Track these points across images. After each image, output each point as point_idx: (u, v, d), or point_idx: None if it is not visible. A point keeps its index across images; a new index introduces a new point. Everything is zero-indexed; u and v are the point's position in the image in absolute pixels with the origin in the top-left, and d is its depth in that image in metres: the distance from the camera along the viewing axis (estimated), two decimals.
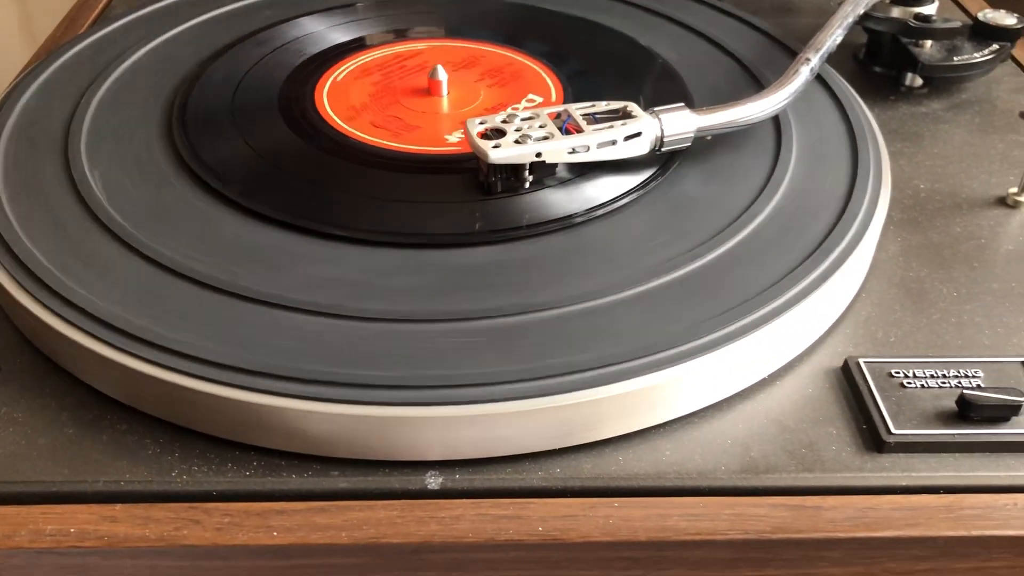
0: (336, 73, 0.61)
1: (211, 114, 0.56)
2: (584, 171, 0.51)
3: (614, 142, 0.48)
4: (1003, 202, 0.57)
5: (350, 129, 0.55)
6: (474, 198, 0.49)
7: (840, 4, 0.64)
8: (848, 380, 0.45)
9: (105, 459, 0.40)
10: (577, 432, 0.41)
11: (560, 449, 0.41)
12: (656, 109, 0.50)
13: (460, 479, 0.40)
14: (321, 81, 0.59)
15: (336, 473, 0.40)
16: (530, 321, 0.43)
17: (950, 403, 0.43)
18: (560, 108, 0.50)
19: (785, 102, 0.54)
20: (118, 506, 0.39)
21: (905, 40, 0.67)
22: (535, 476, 0.40)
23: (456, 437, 0.39)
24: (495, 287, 0.45)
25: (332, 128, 0.55)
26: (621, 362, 0.41)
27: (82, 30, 0.73)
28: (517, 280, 0.45)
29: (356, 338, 0.42)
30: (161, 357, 0.41)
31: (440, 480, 0.40)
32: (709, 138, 0.53)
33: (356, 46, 0.64)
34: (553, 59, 0.63)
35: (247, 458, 0.40)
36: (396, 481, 0.40)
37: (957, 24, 0.66)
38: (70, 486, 0.39)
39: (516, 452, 0.40)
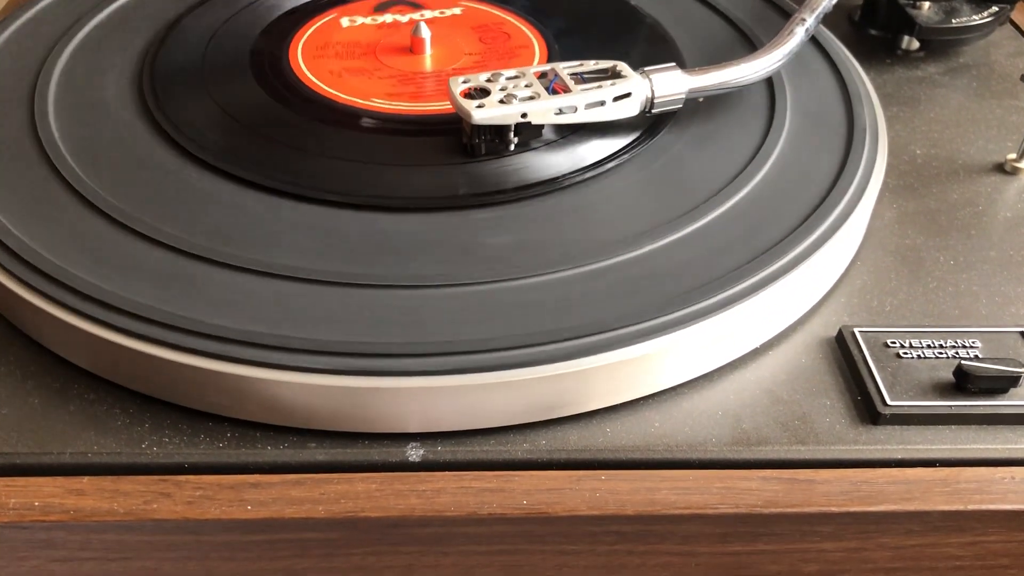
0: (313, 28, 0.58)
1: (182, 70, 0.54)
2: (571, 132, 0.49)
3: (603, 103, 0.47)
4: (1001, 168, 0.56)
5: (327, 88, 0.53)
6: (457, 160, 0.47)
7: None
8: (843, 350, 0.43)
9: (72, 430, 0.39)
10: (563, 403, 0.39)
11: (546, 421, 0.39)
12: (646, 69, 0.48)
13: (442, 451, 0.38)
14: (297, 37, 0.57)
15: (313, 445, 0.38)
16: (514, 288, 0.41)
17: (947, 374, 0.41)
18: (547, 67, 0.48)
19: (780, 63, 0.52)
20: (85, 479, 0.37)
21: (902, 1, 0.65)
22: (520, 448, 0.39)
23: (437, 408, 0.38)
24: (478, 252, 0.43)
25: (308, 88, 0.53)
26: (608, 330, 0.39)
27: None
28: (501, 245, 0.44)
29: (333, 305, 0.40)
30: (130, 324, 0.39)
31: (421, 452, 0.38)
32: (701, 100, 0.51)
33: (320, 7, 0.62)
34: (539, 16, 0.61)
35: (220, 429, 0.39)
36: (376, 453, 0.38)
37: None
38: (35, 458, 0.38)
39: (500, 424, 0.39)
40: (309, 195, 0.46)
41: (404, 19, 0.60)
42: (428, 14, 0.61)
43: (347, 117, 0.51)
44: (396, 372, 0.38)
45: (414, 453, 0.38)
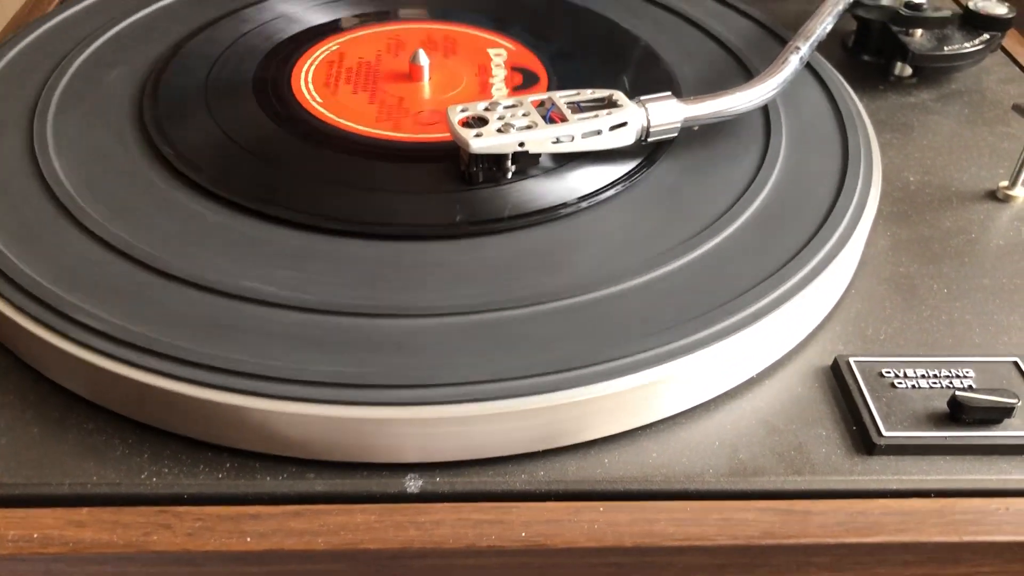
0: (316, 55, 0.59)
1: (183, 96, 0.54)
2: (568, 161, 0.49)
3: (599, 132, 0.47)
4: (993, 196, 0.56)
5: (327, 114, 0.53)
6: (455, 188, 0.48)
7: None
8: (838, 379, 0.44)
9: (71, 460, 0.39)
10: (561, 434, 0.39)
11: (544, 451, 0.40)
12: (642, 98, 0.49)
13: (441, 482, 0.39)
14: (299, 63, 0.58)
15: (312, 475, 0.39)
16: (511, 317, 0.42)
17: (941, 404, 0.42)
18: (544, 96, 0.48)
19: (774, 92, 0.52)
20: (84, 510, 0.37)
21: (895, 28, 0.66)
22: (518, 479, 0.39)
23: (436, 439, 0.38)
24: (475, 281, 0.43)
25: (309, 114, 0.53)
26: (606, 361, 0.39)
27: (50, 8, 0.70)
28: (498, 275, 0.44)
29: (331, 334, 0.40)
30: (130, 354, 0.39)
31: (420, 483, 0.38)
32: (696, 128, 0.52)
33: (336, 27, 0.62)
34: (536, 43, 0.61)
35: (220, 459, 0.39)
36: (374, 484, 0.38)
37: (947, 13, 0.65)
38: (34, 488, 0.38)
39: (498, 454, 0.39)
40: (305, 222, 0.46)
41: (415, 45, 0.60)
42: (439, 40, 0.61)
43: (345, 143, 0.51)
44: (394, 402, 0.38)
45: (412, 484, 0.38)
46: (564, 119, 0.47)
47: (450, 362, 0.39)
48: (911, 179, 0.58)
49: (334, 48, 0.60)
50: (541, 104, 0.48)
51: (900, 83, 0.67)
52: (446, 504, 0.38)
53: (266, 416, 0.38)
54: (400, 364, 0.39)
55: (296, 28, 0.62)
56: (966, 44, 0.65)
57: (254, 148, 0.51)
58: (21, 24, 0.68)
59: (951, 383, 0.43)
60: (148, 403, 0.39)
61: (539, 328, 0.41)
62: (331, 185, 0.48)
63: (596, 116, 0.47)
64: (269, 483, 0.38)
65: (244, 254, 0.44)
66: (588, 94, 0.49)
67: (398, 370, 0.39)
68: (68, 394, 0.41)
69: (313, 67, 0.57)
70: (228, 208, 0.47)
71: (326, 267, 0.44)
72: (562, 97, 0.48)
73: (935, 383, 0.43)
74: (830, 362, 0.45)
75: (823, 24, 0.58)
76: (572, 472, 0.39)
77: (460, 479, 0.39)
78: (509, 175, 0.48)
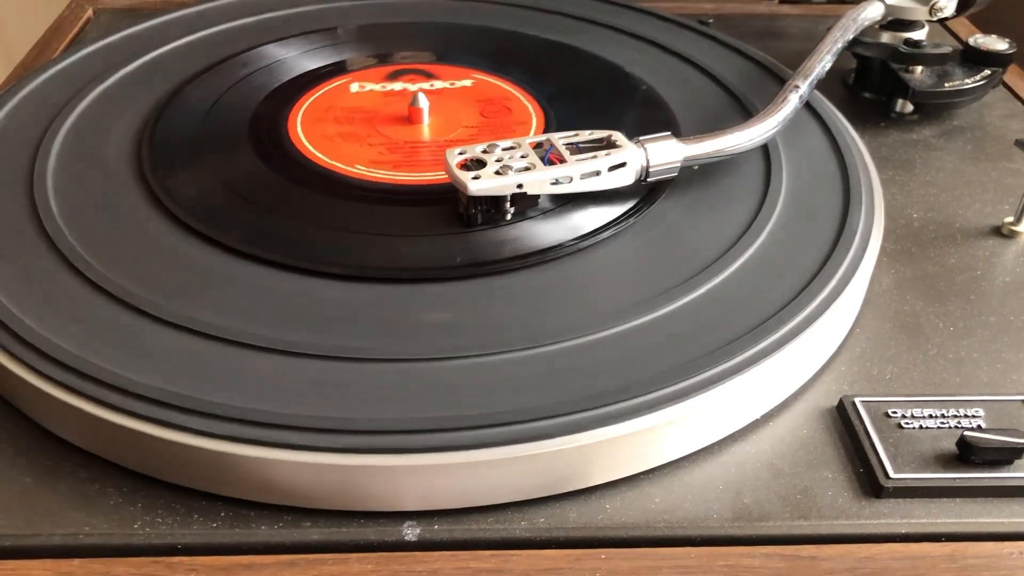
0: (312, 99, 0.59)
1: (180, 142, 0.54)
2: (567, 202, 0.49)
3: (598, 173, 0.47)
4: (998, 232, 0.56)
5: (324, 159, 0.53)
6: (454, 230, 0.47)
7: (829, 30, 0.63)
8: (844, 420, 0.43)
9: (63, 510, 0.38)
10: (562, 479, 0.39)
11: (544, 497, 0.39)
12: (641, 138, 0.49)
13: (439, 529, 0.38)
14: (296, 108, 0.58)
15: (308, 524, 0.38)
16: (510, 361, 0.41)
17: (950, 445, 0.41)
18: (542, 138, 0.48)
19: (774, 131, 0.52)
20: (76, 561, 0.36)
21: (895, 65, 0.66)
22: (518, 526, 0.38)
23: (434, 486, 0.37)
24: (474, 325, 0.43)
25: (307, 158, 0.53)
26: (608, 404, 0.39)
27: (55, 55, 0.71)
28: (497, 317, 0.43)
29: (327, 380, 0.40)
30: (124, 402, 0.38)
31: (418, 531, 0.38)
32: (696, 167, 0.51)
33: (334, 71, 0.63)
34: (535, 85, 0.61)
35: (214, 508, 0.38)
36: (372, 532, 0.38)
37: (948, 49, 0.65)
38: (24, 539, 0.37)
39: (498, 501, 0.38)
40: (302, 266, 0.45)
41: (413, 88, 0.60)
42: (438, 84, 0.61)
43: (345, 187, 0.51)
44: (391, 449, 0.37)
45: (411, 532, 0.38)
46: (563, 160, 0.47)
47: (448, 408, 0.39)
48: (914, 216, 0.57)
49: (331, 91, 0.60)
50: (539, 145, 0.48)
51: (901, 120, 0.67)
52: (444, 552, 0.37)
53: (260, 464, 0.37)
54: (397, 410, 0.38)
55: (292, 73, 0.62)
56: (967, 80, 0.65)
57: (250, 194, 0.50)
58: (27, 68, 0.69)
59: (959, 423, 0.42)
60: (142, 451, 0.39)
61: (538, 372, 0.41)
62: (328, 230, 0.48)
63: (595, 157, 0.47)
64: (264, 532, 0.38)
65: (240, 300, 0.44)
66: (586, 135, 0.49)
67: (396, 416, 0.38)
68: (61, 442, 0.41)
69: (309, 111, 0.57)
70: (224, 252, 0.47)
71: (322, 311, 0.43)
72: (560, 138, 0.48)
73: (943, 423, 0.42)
74: (835, 403, 0.44)
75: (822, 62, 0.57)
76: (573, 518, 0.38)
77: (459, 526, 0.38)
78: (508, 216, 0.47)
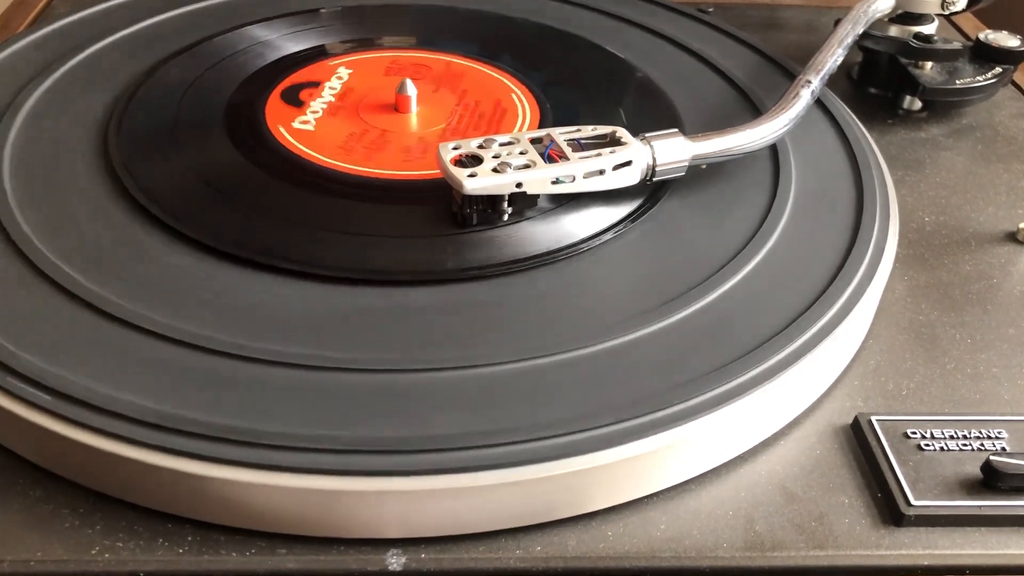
0: (292, 85, 0.55)
1: (150, 129, 0.51)
2: (567, 201, 0.46)
3: (602, 172, 0.44)
4: (1013, 238, 0.53)
5: (305, 149, 0.50)
6: (446, 231, 0.44)
7: (838, 23, 0.60)
8: (859, 440, 0.40)
9: (14, 532, 0.35)
10: (560, 505, 0.36)
11: (541, 524, 0.36)
12: (647, 135, 0.45)
13: (426, 559, 0.35)
14: (274, 94, 0.54)
15: (283, 551, 0.35)
16: (505, 374, 0.38)
17: (973, 469, 0.38)
18: (542, 133, 0.45)
19: (786, 128, 0.49)
20: None
21: (904, 61, 0.63)
22: (512, 555, 0.35)
23: (420, 512, 0.34)
24: (465, 334, 0.40)
25: (286, 148, 0.50)
26: (608, 424, 0.36)
27: (18, 31, 0.67)
28: (491, 326, 0.40)
29: (304, 393, 0.37)
30: (83, 415, 0.35)
31: (403, 560, 0.35)
32: (704, 167, 0.48)
33: (315, 55, 0.59)
34: (530, 75, 0.58)
35: (181, 532, 0.35)
36: (352, 561, 0.34)
37: (959, 45, 0.63)
38: None
39: (491, 528, 0.35)
40: (278, 266, 0.42)
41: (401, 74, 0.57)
42: (426, 70, 0.58)
43: (326, 181, 0.48)
44: (374, 471, 0.34)
45: (395, 561, 0.35)
46: (563, 157, 0.44)
47: (435, 426, 0.36)
48: (926, 219, 0.55)
49: (313, 77, 0.56)
50: (539, 141, 0.45)
51: (909, 117, 0.65)
52: None
53: (231, 485, 0.34)
54: (379, 428, 0.35)
55: (273, 56, 0.58)
56: (978, 78, 0.63)
57: (224, 188, 0.47)
58: None
59: (982, 445, 0.40)
60: (100, 469, 0.35)
61: (532, 387, 0.38)
62: (307, 228, 0.44)
63: (599, 155, 0.44)
64: (235, 559, 0.34)
65: (211, 302, 0.41)
66: (589, 130, 0.45)
67: (378, 435, 0.35)
68: (14, 457, 0.37)
69: (289, 98, 0.54)
70: (196, 250, 0.43)
71: (299, 317, 0.40)
72: (562, 134, 0.45)
73: (965, 445, 0.40)
74: (850, 420, 0.41)
75: (833, 56, 0.55)
76: (572, 547, 0.35)
77: (448, 555, 0.35)
78: (505, 217, 0.44)
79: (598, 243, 0.45)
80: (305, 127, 0.51)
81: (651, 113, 0.55)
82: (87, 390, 0.36)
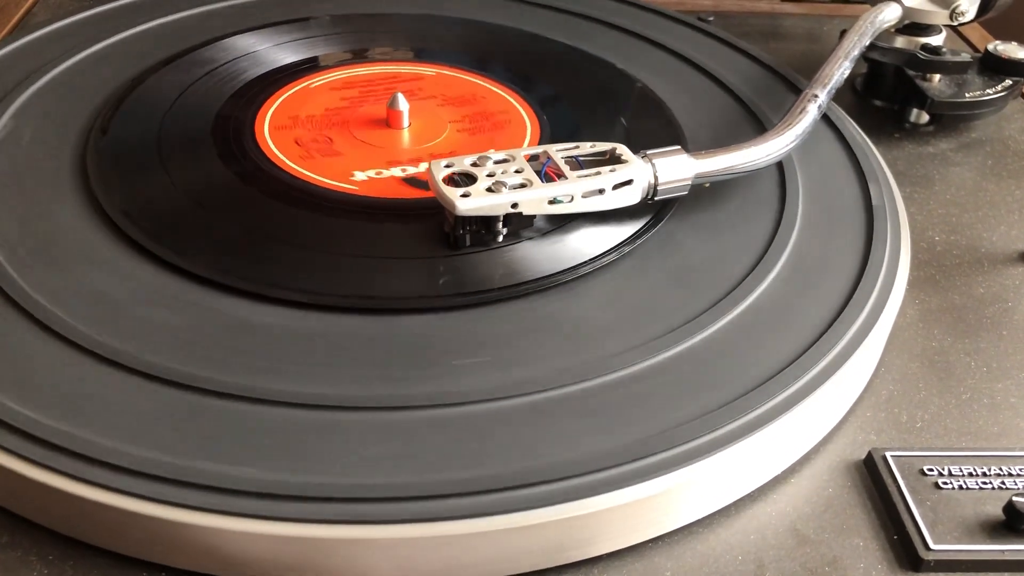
0: (281, 99, 0.53)
1: (132, 145, 0.49)
2: (565, 222, 0.44)
3: (602, 191, 0.42)
4: None
5: (293, 166, 0.47)
6: (437, 253, 0.42)
7: (843, 34, 0.58)
8: (873, 477, 0.38)
9: None
10: (559, 550, 0.34)
11: (539, 571, 0.34)
12: (649, 153, 0.43)
13: None
14: (263, 109, 0.52)
15: None
16: (499, 411, 0.36)
17: (995, 509, 0.36)
18: (539, 150, 0.43)
19: (792, 145, 0.47)
20: None
21: (911, 73, 0.61)
22: None
23: (413, 560, 0.32)
24: (458, 366, 0.38)
25: (274, 165, 0.47)
26: (609, 468, 0.34)
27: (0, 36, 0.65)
28: (485, 356, 0.38)
29: (284, 433, 0.34)
30: (51, 458, 0.33)
31: None
32: (707, 185, 0.46)
33: (306, 68, 0.57)
34: (527, 88, 0.56)
35: None
36: None
37: (968, 58, 0.61)
38: None
39: None
40: (256, 291, 0.40)
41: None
42: (420, 83, 0.56)
43: (311, 200, 0.45)
44: (359, 519, 0.32)
45: None
46: (561, 174, 0.42)
47: (424, 470, 0.33)
48: (936, 239, 0.53)
49: (302, 90, 0.54)
50: (536, 158, 0.43)
51: (916, 131, 0.63)
52: None
53: (208, 532, 0.32)
54: (365, 472, 0.33)
55: (261, 69, 0.56)
56: (988, 91, 0.61)
57: (209, 207, 0.45)
58: None
59: (1004, 483, 0.38)
60: (70, 514, 0.33)
61: (528, 425, 0.35)
62: (290, 250, 0.42)
63: (598, 173, 0.42)
64: None
65: (187, 331, 0.38)
66: (588, 147, 0.43)
67: (362, 481, 0.33)
68: None
69: (278, 113, 0.52)
70: (177, 276, 0.41)
71: (280, 348, 0.38)
72: (559, 151, 0.43)
73: (985, 483, 0.38)
74: (863, 455, 0.39)
75: (840, 70, 0.53)
76: None
77: None
78: (500, 238, 0.42)
79: (597, 266, 0.43)
80: (295, 144, 0.49)
81: (651, 126, 0.53)
82: (54, 430, 0.33)
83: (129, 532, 0.33)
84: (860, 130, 0.56)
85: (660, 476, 0.34)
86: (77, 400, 0.35)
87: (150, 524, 0.32)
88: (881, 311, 0.42)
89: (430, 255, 0.42)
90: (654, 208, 0.45)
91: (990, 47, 0.63)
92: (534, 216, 0.42)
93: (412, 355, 0.38)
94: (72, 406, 0.35)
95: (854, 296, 0.42)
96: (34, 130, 0.50)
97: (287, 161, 0.48)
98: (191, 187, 0.46)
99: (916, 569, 0.35)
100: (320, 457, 0.34)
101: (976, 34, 0.75)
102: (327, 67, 0.57)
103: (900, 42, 0.63)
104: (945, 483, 0.38)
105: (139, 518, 0.32)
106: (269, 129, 0.50)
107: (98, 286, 0.40)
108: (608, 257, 0.43)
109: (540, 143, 0.51)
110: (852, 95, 0.66)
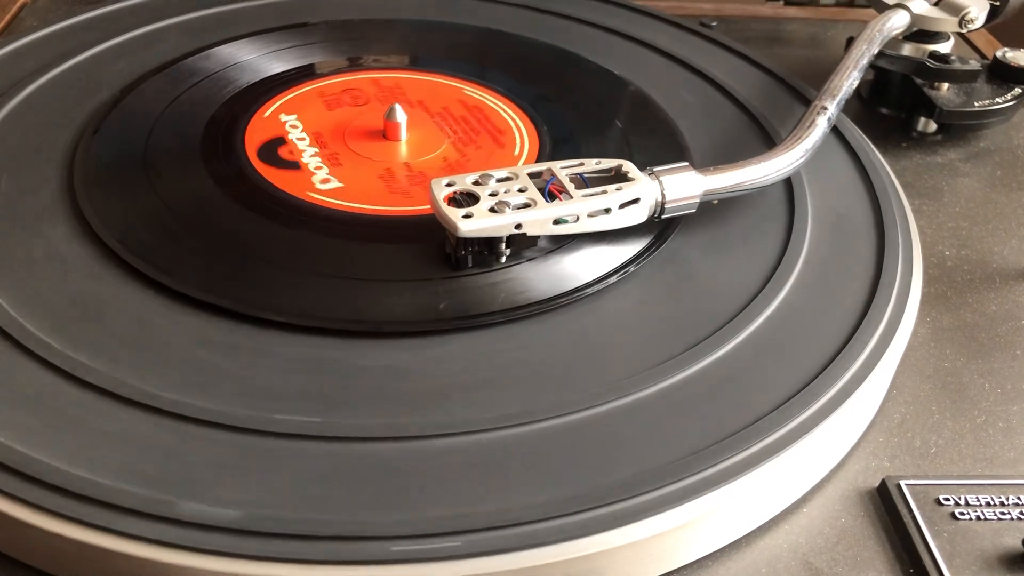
0: (271, 109, 0.52)
1: (120, 156, 0.47)
2: (568, 241, 0.43)
3: (608, 210, 0.40)
4: None
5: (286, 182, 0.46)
6: (438, 275, 0.41)
7: (851, 42, 0.57)
8: (887, 507, 0.37)
9: None
10: None
11: None
12: (656, 169, 0.42)
13: None
14: (254, 119, 0.50)
15: None
16: (500, 440, 0.35)
17: (1014, 541, 0.35)
18: (542, 167, 0.42)
19: (802, 159, 0.46)
20: None
21: (919, 81, 0.60)
22: None
23: None
24: (458, 393, 0.36)
25: (263, 179, 0.46)
26: (613, 503, 0.32)
27: None
28: (486, 384, 0.37)
29: (273, 465, 0.33)
30: (32, 494, 0.31)
31: None
32: (716, 202, 0.45)
33: (300, 76, 0.55)
34: (528, 99, 0.54)
35: None
36: None
37: (978, 66, 0.60)
38: None
39: None
40: (250, 313, 0.39)
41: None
42: (418, 93, 0.54)
43: (306, 217, 0.44)
44: (346, 560, 0.30)
45: None
46: (566, 193, 0.40)
47: (418, 506, 0.32)
48: (947, 254, 0.52)
49: (295, 99, 0.53)
50: (539, 176, 0.41)
51: (923, 140, 0.62)
52: None
53: (187, 574, 0.30)
54: (350, 510, 0.32)
55: (252, 78, 0.55)
56: (997, 99, 0.60)
57: (196, 224, 0.43)
58: None
59: (1022, 514, 0.37)
60: (45, 549, 0.32)
61: (526, 457, 0.34)
62: (281, 269, 0.41)
63: (604, 192, 0.40)
64: None
65: (177, 356, 0.37)
66: (593, 164, 0.42)
67: (349, 519, 0.31)
68: None
69: (269, 123, 0.50)
70: (167, 297, 0.40)
71: (275, 374, 0.37)
72: (563, 168, 0.41)
73: (1004, 513, 0.36)
74: (876, 483, 0.38)
75: (849, 80, 0.51)
76: None
77: None
78: (503, 259, 0.41)
79: (602, 287, 0.41)
80: (288, 157, 0.48)
81: (654, 137, 0.52)
82: (37, 464, 0.32)
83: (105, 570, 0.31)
84: (868, 141, 0.54)
85: (666, 511, 0.33)
86: (51, 426, 0.34)
87: (126, 564, 0.31)
88: (894, 333, 0.41)
89: (431, 276, 0.41)
90: (658, 226, 0.44)
91: (999, 54, 0.62)
92: (538, 236, 0.41)
93: (402, 383, 0.37)
94: (48, 434, 0.33)
95: (865, 319, 0.41)
96: (18, 141, 0.49)
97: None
98: (173, 200, 0.45)
99: None
100: (297, 491, 0.32)
101: (983, 39, 0.74)
102: (322, 74, 0.55)
103: (908, 50, 0.62)
104: (962, 513, 0.36)
105: (114, 556, 0.31)
106: (260, 141, 0.49)
107: (78, 306, 0.39)
108: (613, 277, 0.42)
109: (539, 154, 0.50)
110: (858, 102, 0.65)
